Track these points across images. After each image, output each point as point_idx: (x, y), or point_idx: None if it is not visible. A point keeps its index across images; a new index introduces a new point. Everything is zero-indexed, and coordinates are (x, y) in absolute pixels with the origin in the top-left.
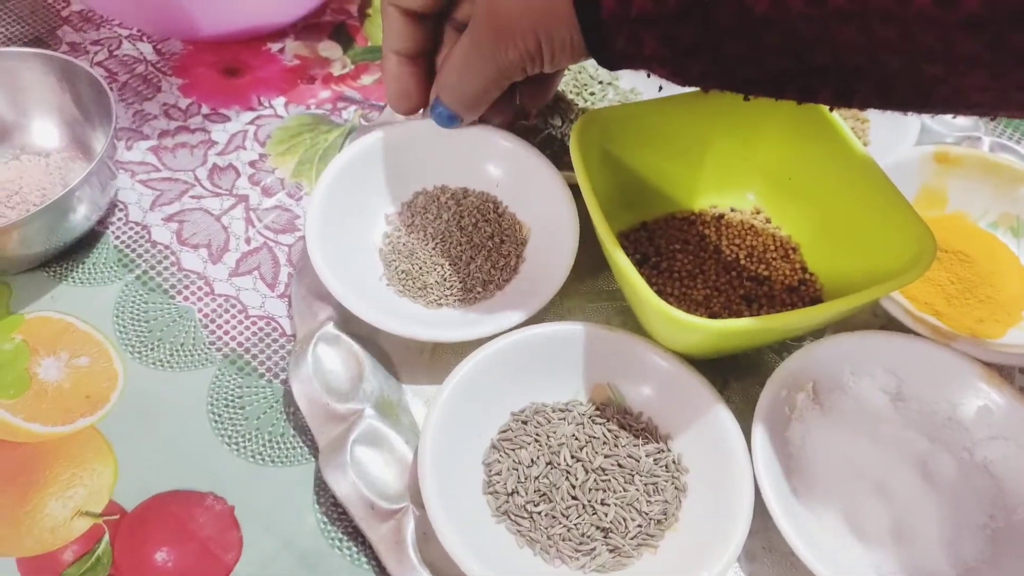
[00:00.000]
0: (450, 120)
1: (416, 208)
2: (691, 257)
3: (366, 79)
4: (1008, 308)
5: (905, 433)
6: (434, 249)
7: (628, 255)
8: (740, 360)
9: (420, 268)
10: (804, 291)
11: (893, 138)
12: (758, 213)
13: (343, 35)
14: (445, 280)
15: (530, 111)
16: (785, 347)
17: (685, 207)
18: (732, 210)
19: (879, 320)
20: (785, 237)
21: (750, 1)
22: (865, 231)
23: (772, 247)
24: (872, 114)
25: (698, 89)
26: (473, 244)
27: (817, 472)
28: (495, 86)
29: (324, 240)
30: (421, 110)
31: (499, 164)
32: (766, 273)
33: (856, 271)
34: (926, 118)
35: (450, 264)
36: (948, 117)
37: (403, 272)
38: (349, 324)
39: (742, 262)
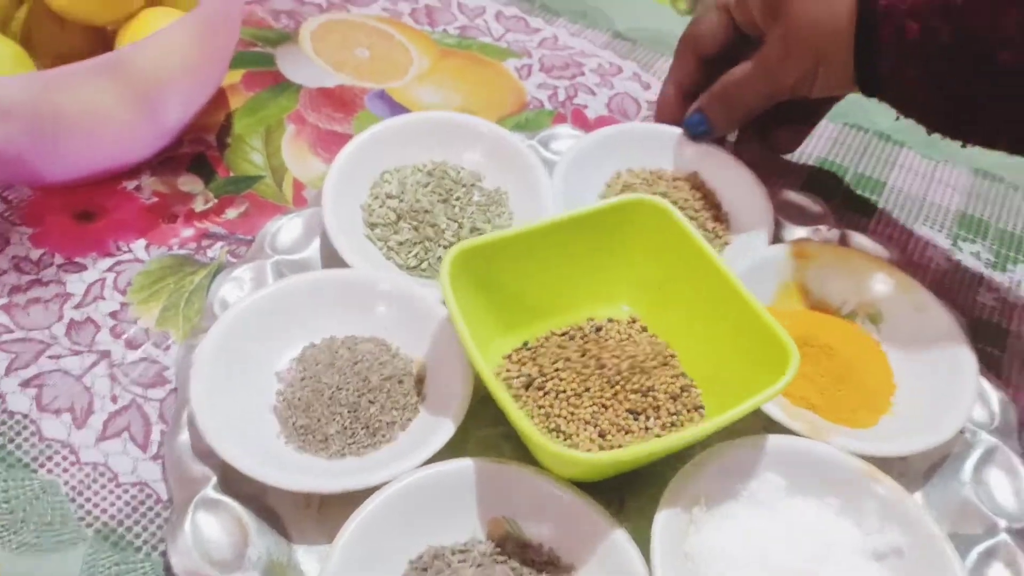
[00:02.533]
0: (704, 131)
1: (307, 361)
2: (575, 375)
3: (231, 213)
4: (877, 396)
5: (802, 531)
6: (331, 398)
7: (513, 378)
8: (637, 473)
9: (319, 420)
10: (686, 398)
11: (750, 238)
12: (634, 322)
13: (204, 167)
14: (346, 429)
15: (783, 151)
16: (679, 456)
17: (564, 323)
18: (609, 321)
19: (759, 421)
20: (662, 344)
21: (992, 51)
22: (729, 339)
23: (651, 355)
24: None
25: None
26: (371, 387)
27: None
28: (764, 102)
29: (213, 407)
30: None
31: (383, 306)
32: (649, 383)
33: (728, 376)
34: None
35: (349, 411)
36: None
37: (301, 427)
38: (230, 484)
39: (624, 373)
